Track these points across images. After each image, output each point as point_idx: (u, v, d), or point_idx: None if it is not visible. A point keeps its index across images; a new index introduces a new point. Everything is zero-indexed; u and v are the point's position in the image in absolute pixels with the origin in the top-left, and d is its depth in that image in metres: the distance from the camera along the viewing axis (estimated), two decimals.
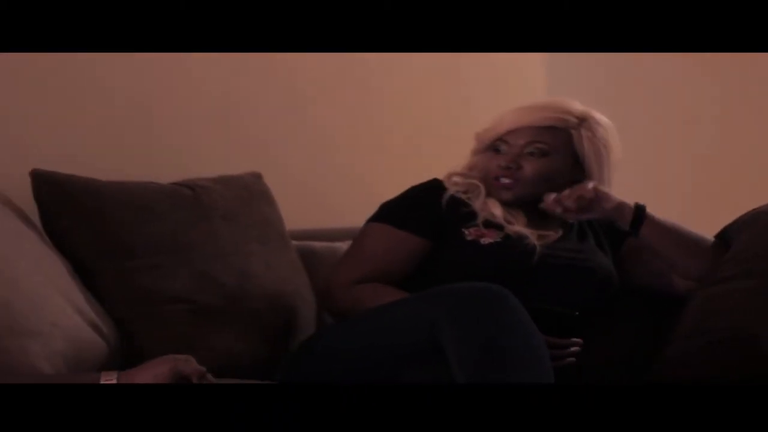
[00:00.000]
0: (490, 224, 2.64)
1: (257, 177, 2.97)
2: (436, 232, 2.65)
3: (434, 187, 2.70)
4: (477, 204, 2.66)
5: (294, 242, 2.94)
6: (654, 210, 2.68)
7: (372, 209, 2.74)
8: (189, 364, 2.17)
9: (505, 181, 2.68)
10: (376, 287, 2.58)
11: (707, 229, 2.78)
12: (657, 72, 3.90)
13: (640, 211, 2.65)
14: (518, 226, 2.64)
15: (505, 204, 2.68)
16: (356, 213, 2.81)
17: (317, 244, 3.02)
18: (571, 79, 3.92)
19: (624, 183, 2.78)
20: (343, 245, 2.85)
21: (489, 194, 2.69)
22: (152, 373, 2.17)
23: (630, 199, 2.68)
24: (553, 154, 2.68)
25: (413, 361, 2.29)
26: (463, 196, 2.68)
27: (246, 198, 2.86)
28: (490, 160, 2.71)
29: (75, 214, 2.59)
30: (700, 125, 3.90)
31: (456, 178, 2.73)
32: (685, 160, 3.90)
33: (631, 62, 3.79)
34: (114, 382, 2.15)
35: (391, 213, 2.68)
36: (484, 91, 3.73)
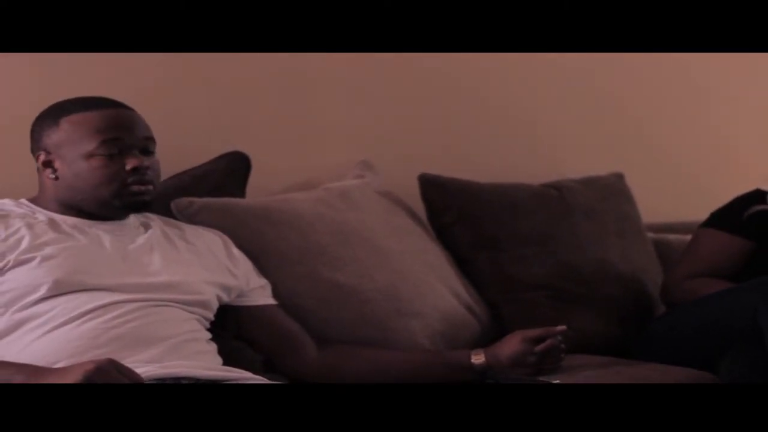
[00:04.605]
0: None
1: (619, 177, 3.29)
2: (759, 235, 2.91)
3: (757, 196, 2.97)
4: None
5: (650, 235, 3.25)
6: None
7: (718, 203, 3.03)
8: None
9: None
10: (706, 280, 2.87)
11: None
12: None
13: None
14: None
15: None
16: (700, 208, 3.11)
17: (672, 237, 3.33)
18: None
19: None
20: None
21: None
22: (509, 342, 2.53)
23: None
24: None
25: (735, 343, 2.56)
26: None
27: (607, 196, 3.19)
28: None
29: (456, 212, 2.99)
30: None
31: None
32: None
33: None
34: (483, 360, 2.54)
35: (722, 220, 2.98)
36: None
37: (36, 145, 2.32)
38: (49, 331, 2.15)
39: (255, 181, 2.82)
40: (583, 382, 2.44)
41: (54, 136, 2.29)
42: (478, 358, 2.54)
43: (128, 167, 2.26)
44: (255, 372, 2.31)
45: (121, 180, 2.27)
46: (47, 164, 2.29)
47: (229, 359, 2.34)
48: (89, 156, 2.26)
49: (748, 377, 2.48)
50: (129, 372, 1.98)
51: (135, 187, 2.28)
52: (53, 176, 2.28)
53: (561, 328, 2.55)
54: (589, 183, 3.20)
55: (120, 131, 2.28)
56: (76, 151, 2.27)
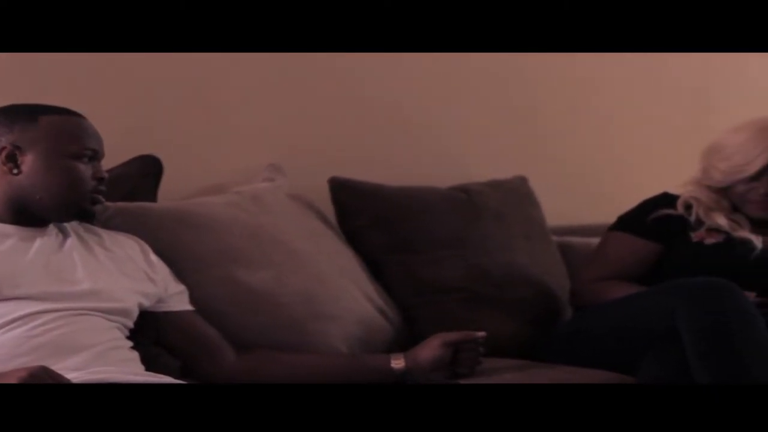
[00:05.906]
0: (714, 230, 2.95)
1: (523, 180, 3.33)
2: (667, 238, 2.98)
3: (665, 199, 3.04)
4: (701, 213, 2.97)
5: (554, 238, 3.30)
6: None
7: (620, 207, 3.08)
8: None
9: (762, 204, 2.97)
10: (616, 282, 2.93)
11: None
12: None
13: None
14: (743, 232, 2.93)
15: (753, 219, 2.99)
16: (601, 211, 3.19)
17: (575, 240, 3.38)
18: None
19: None
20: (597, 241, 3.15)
21: (714, 208, 2.98)
22: (429, 346, 2.56)
23: None
24: None
25: (653, 345, 2.61)
26: (694, 206, 2.99)
27: (513, 200, 3.23)
28: (747, 185, 2.98)
29: (368, 215, 3.00)
30: None
31: (686, 193, 3.04)
32: None
33: None
34: (402, 365, 2.55)
35: (630, 223, 3.04)
36: (728, 98, 3.97)
37: None
38: None
39: (163, 184, 2.80)
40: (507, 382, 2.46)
41: (31, 132, 2.28)
42: (398, 363, 2.56)
43: (98, 175, 2.33)
44: (174, 378, 2.29)
45: (90, 186, 2.31)
46: (11, 158, 2.27)
47: (148, 365, 2.32)
48: (71, 156, 2.29)
49: (666, 378, 2.54)
50: (61, 379, 1.98)
51: (97, 195, 2.33)
52: (15, 171, 2.27)
53: (481, 334, 2.58)
54: (495, 186, 3.23)
55: (95, 142, 2.34)
56: (56, 149, 2.28)
